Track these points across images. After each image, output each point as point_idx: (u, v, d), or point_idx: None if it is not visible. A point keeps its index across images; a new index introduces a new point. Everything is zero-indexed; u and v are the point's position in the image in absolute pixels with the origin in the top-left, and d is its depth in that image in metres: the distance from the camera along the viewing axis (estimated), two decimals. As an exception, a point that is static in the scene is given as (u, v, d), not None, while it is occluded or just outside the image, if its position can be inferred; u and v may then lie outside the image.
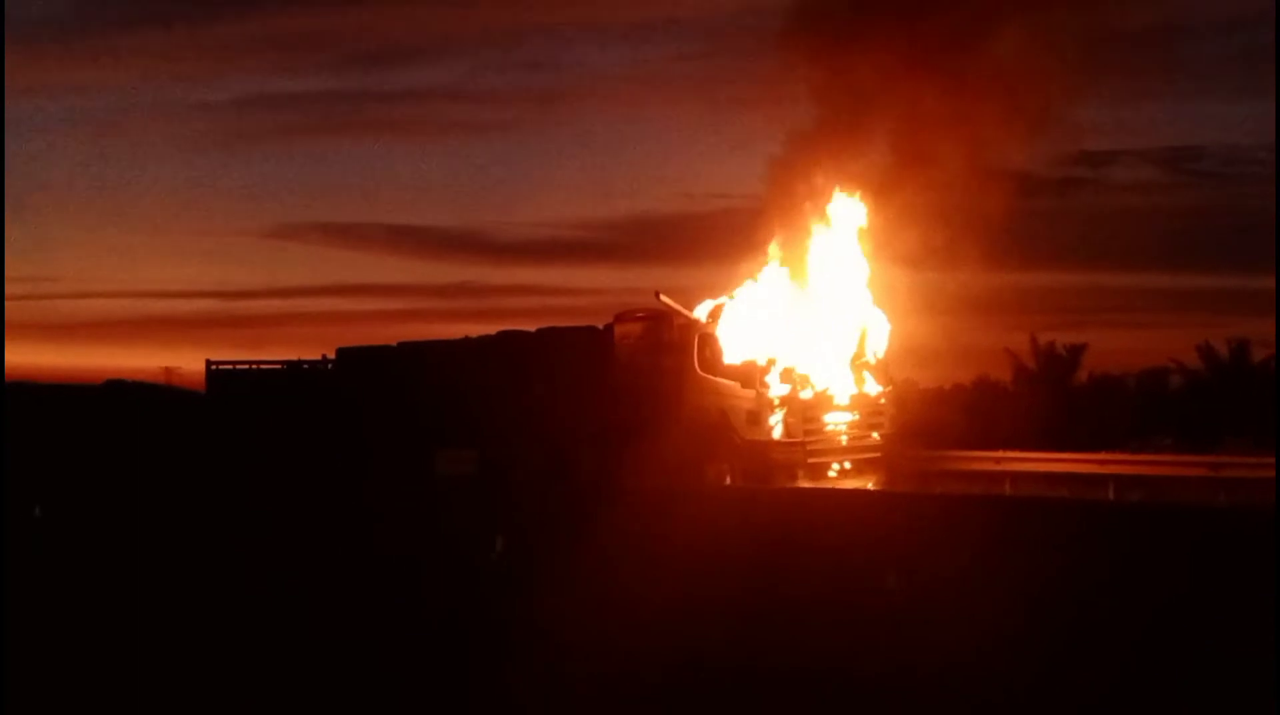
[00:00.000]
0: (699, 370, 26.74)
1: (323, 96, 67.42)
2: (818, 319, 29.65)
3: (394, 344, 29.71)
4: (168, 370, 38.55)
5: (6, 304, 69.88)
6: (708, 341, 27.26)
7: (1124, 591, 17.09)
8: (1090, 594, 16.64)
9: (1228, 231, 54.02)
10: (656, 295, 27.68)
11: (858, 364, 29.25)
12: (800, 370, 27.96)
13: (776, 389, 27.32)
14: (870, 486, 26.99)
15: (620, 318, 27.66)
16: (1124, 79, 38.64)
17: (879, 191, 30.24)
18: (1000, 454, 27.61)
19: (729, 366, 27.26)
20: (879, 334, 29.70)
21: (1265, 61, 56.41)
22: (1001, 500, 24.52)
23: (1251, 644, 14.27)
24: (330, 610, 18.07)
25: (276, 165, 73.14)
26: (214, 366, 30.64)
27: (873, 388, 29.24)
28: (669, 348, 26.90)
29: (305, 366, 29.81)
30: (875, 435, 28.64)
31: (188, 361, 33.20)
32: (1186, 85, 59.26)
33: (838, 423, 28.26)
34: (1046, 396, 35.76)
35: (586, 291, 78.93)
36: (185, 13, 67.49)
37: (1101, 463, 26.75)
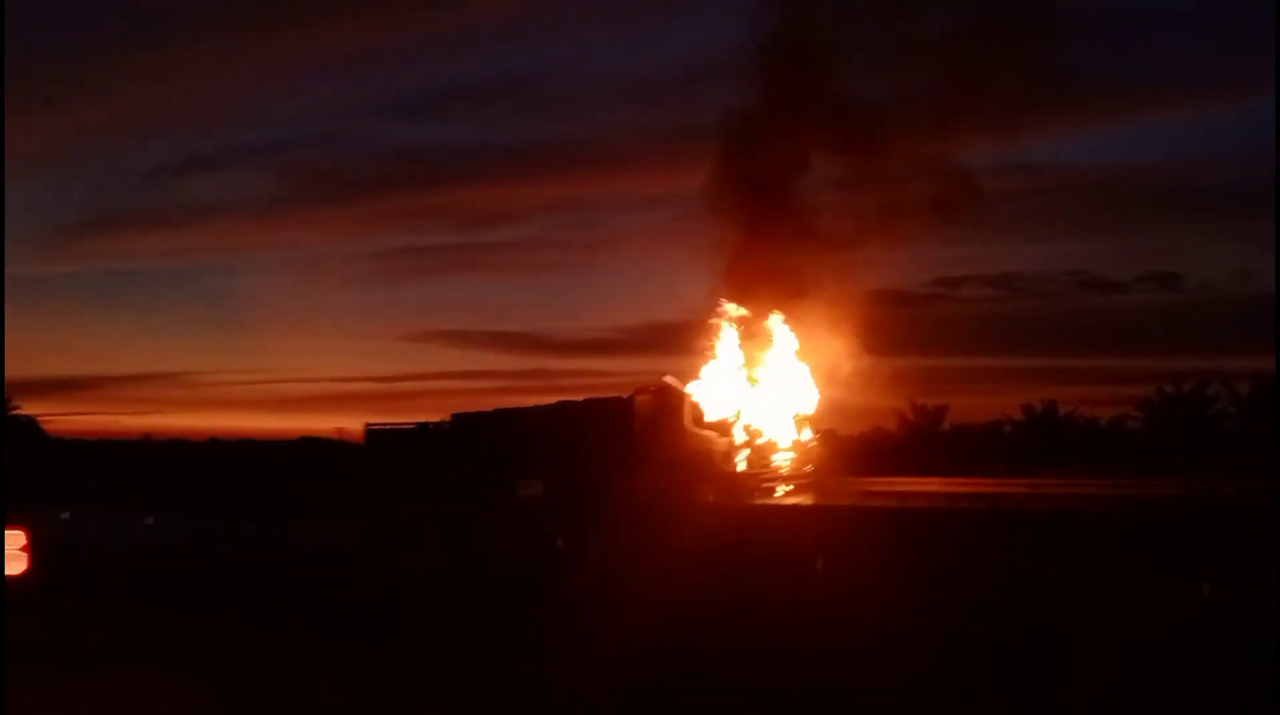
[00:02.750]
0: (690, 425, 27.11)
1: (446, 247, 69.95)
2: (766, 390, 30.11)
3: (490, 410, 29.68)
4: (339, 429, 38.85)
5: (237, 388, 71.78)
6: (695, 406, 27.67)
7: (974, 568, 17.91)
8: (951, 571, 17.47)
9: (1039, 329, 54.92)
10: (662, 376, 28.19)
11: (795, 420, 29.73)
12: (756, 425, 28.60)
13: (740, 437, 27.99)
14: (804, 502, 26.87)
15: (639, 391, 27.73)
16: (966, 228, 39.79)
17: (802, 303, 30.68)
18: (891, 479, 27.88)
19: (709, 422, 27.76)
20: (808, 401, 30.14)
21: (1063, 218, 57.95)
22: (891, 510, 24.33)
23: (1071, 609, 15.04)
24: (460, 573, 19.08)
25: (416, 293, 75.58)
26: (370, 427, 30.62)
27: (805, 435, 29.75)
28: (670, 411, 27.06)
29: (431, 426, 29.78)
30: (808, 468, 28.93)
31: (353, 423, 33.70)
32: (1011, 232, 60.53)
33: (782, 460, 28.62)
34: (921, 440, 36.47)
35: (618, 374, 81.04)
36: (354, 193, 69.51)
37: (957, 485, 26.72)
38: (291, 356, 79.99)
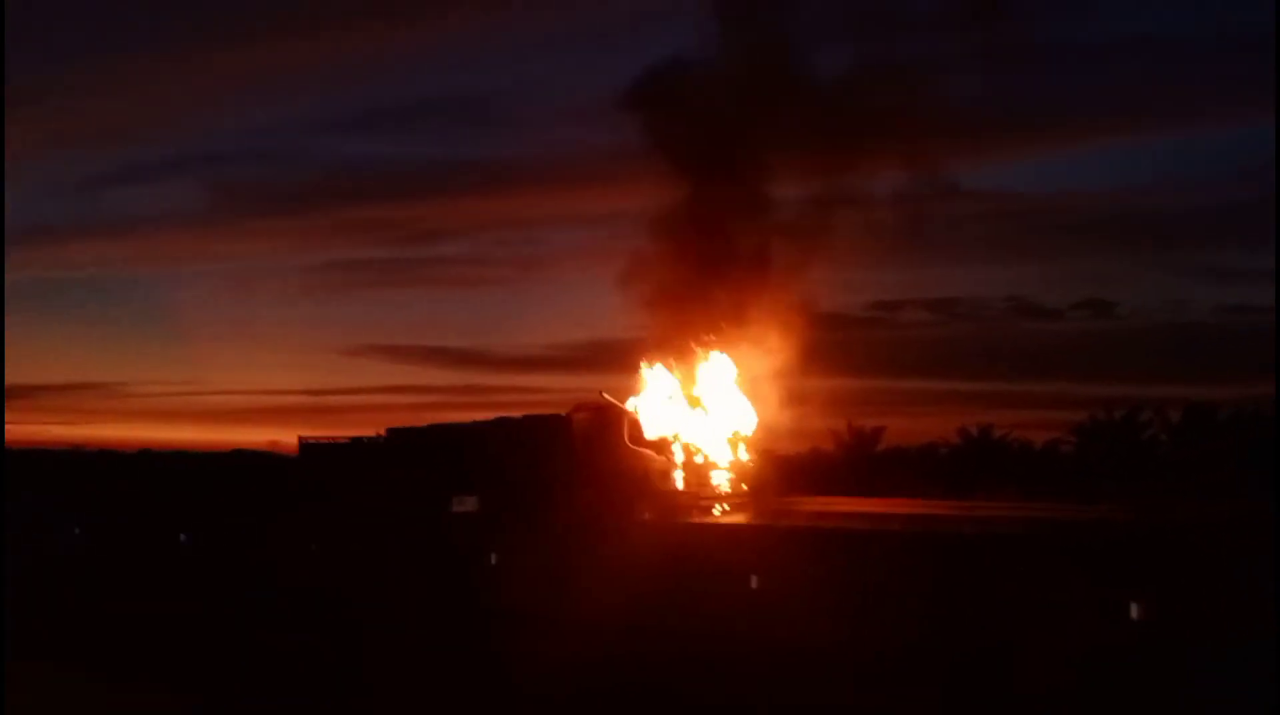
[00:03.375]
0: (628, 443, 27.10)
1: (382, 262, 69.34)
2: (705, 409, 29.92)
3: (426, 425, 29.60)
4: (273, 442, 38.41)
5: (169, 400, 70.79)
6: (634, 424, 27.65)
7: (906, 584, 17.99)
8: (883, 586, 17.51)
9: (975, 354, 55.51)
10: (601, 394, 28.07)
11: (732, 440, 29.54)
12: (694, 444, 28.47)
13: (678, 455, 27.83)
14: (740, 520, 26.67)
15: (577, 408, 27.80)
16: (905, 253, 40.22)
17: (741, 323, 30.34)
18: (828, 499, 27.92)
19: (648, 440, 27.67)
20: (746, 421, 29.94)
21: (1000, 244, 58.74)
22: (826, 529, 24.15)
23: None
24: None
25: (352, 307, 75.07)
26: (304, 440, 30.18)
27: (743, 455, 29.59)
28: (608, 428, 27.08)
29: (366, 440, 29.65)
30: (744, 487, 28.82)
31: (287, 437, 33.36)
32: (949, 257, 61.03)
33: (719, 479, 28.48)
34: (858, 462, 36.63)
35: (555, 391, 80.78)
36: (290, 207, 68.85)
37: (894, 505, 26.81)
38: (226, 369, 78.96)
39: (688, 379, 30.45)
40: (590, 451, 26.71)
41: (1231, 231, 56.19)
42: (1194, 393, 37.30)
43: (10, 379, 71.09)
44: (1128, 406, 36.37)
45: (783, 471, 32.07)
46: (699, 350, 30.59)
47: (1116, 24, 57.95)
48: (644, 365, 30.07)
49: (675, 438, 28.17)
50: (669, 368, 30.34)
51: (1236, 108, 55.51)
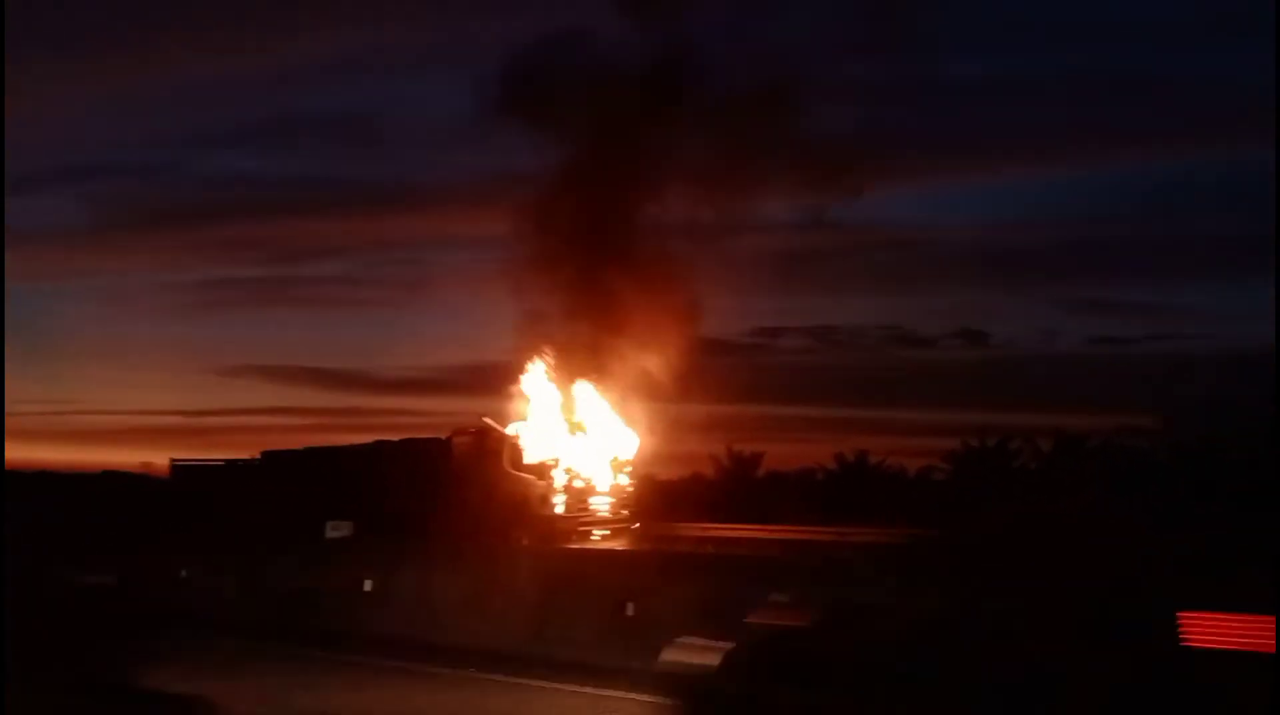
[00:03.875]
0: (509, 467, 26.92)
1: (260, 281, 67.98)
2: (586, 435, 30.05)
3: (301, 448, 29.32)
4: (145, 464, 37.52)
5: (39, 419, 68.38)
6: (514, 448, 27.48)
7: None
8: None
9: (852, 380, 56.64)
10: (481, 418, 28.02)
11: (612, 464, 29.56)
12: (574, 468, 28.37)
13: (559, 480, 27.65)
14: (620, 547, 27.10)
15: (456, 432, 27.65)
16: (786, 281, 40.78)
17: (623, 349, 30.61)
18: (706, 524, 27.53)
19: (528, 464, 27.52)
20: (627, 445, 30.12)
21: (878, 274, 60.09)
22: (703, 555, 24.40)
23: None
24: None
25: (226, 327, 73.31)
26: (176, 462, 29.97)
27: (623, 480, 29.61)
28: (488, 453, 26.91)
29: (240, 463, 29.20)
30: (624, 512, 28.82)
31: (159, 458, 32.55)
32: (828, 286, 62.27)
33: (599, 503, 28.40)
34: (737, 486, 36.89)
35: (435, 413, 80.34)
36: (167, 223, 67.16)
37: (772, 530, 26.68)
38: (97, 387, 76.56)
39: (568, 403, 30.57)
40: (470, 475, 26.49)
41: (1100, 266, 58.59)
42: (1063, 422, 38.35)
43: (-125, 396, 68.17)
44: (999, 434, 37.31)
45: (663, 496, 32.53)
46: (579, 375, 30.75)
47: (991, 62, 60.06)
48: (527, 386, 30.14)
49: (556, 462, 28.06)
50: (551, 391, 30.39)
51: (1103, 147, 57.77)
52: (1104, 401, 45.15)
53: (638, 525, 28.56)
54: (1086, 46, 60.28)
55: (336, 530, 26.03)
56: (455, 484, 26.35)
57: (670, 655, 11.91)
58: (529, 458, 27.85)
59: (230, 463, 29.61)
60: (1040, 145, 58.83)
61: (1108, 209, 65.96)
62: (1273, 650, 9.77)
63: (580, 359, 30.89)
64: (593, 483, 28.73)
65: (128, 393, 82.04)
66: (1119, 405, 43.08)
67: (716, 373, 33.79)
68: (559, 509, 27.41)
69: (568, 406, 30.54)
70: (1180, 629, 10.36)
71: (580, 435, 29.99)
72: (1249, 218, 56.59)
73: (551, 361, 30.81)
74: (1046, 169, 63.62)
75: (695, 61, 31.34)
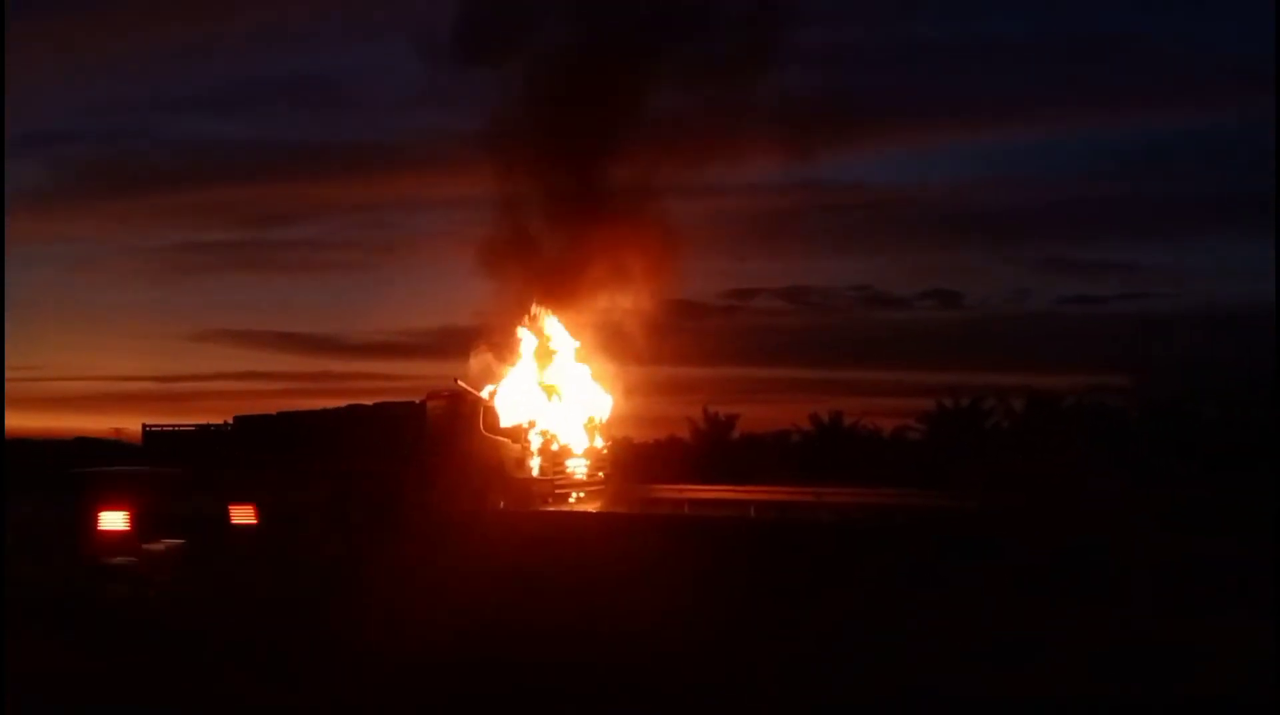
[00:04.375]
0: (483, 431, 26.87)
1: (230, 245, 67.03)
2: (561, 397, 29.95)
3: (274, 413, 29.03)
4: (117, 430, 37.16)
5: (9, 385, 67.55)
6: (489, 411, 27.43)
7: (756, 571, 18.14)
8: (733, 573, 17.64)
9: (826, 342, 56.68)
10: (455, 381, 27.77)
11: (588, 427, 29.63)
12: (550, 431, 28.31)
13: (534, 443, 27.61)
14: (595, 509, 27.13)
15: (431, 396, 27.52)
16: (758, 242, 40.66)
17: (597, 310, 30.99)
18: (681, 486, 28.09)
19: (503, 428, 27.45)
20: (602, 408, 30.13)
21: (850, 235, 60.18)
22: (676, 516, 25.31)
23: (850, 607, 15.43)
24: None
25: (198, 291, 72.53)
26: (148, 428, 29.53)
27: (598, 442, 29.67)
28: (463, 416, 26.87)
29: (213, 428, 28.95)
30: (600, 475, 28.90)
31: (131, 424, 32.18)
32: (800, 247, 62.27)
33: (575, 466, 28.45)
34: (712, 448, 36.85)
35: (409, 378, 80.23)
36: (136, 188, 66.31)
37: (747, 491, 27.19)
38: (67, 353, 75.55)
39: (542, 366, 30.46)
40: (445, 439, 26.46)
41: (1071, 226, 58.71)
42: (1037, 381, 38.44)
43: None
44: (973, 394, 37.39)
45: (639, 458, 32.59)
46: (555, 338, 30.65)
47: (962, 24, 59.85)
48: (501, 349, 30.00)
49: (531, 425, 27.96)
50: (526, 354, 30.33)
51: (1076, 108, 57.84)
52: (1074, 361, 45.38)
53: (614, 487, 28.58)
54: (1061, 7, 60.13)
55: (312, 493, 25.81)
56: (430, 448, 26.29)
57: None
58: (504, 421, 27.75)
59: (203, 428, 29.33)
60: (1013, 106, 58.99)
61: (1080, 169, 66.06)
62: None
63: (554, 321, 30.71)
64: (568, 446, 28.71)
65: (98, 358, 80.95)
66: (1092, 365, 43.23)
67: (691, 335, 33.70)
68: (535, 472, 27.40)
69: (542, 369, 30.42)
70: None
71: (555, 398, 29.86)
72: (1222, 178, 57.15)
73: (525, 324, 30.70)
74: (1019, 130, 63.85)
75: (672, 20, 31.13)
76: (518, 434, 27.49)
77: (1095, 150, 65.25)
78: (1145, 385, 32.53)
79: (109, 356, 79.17)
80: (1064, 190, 61.77)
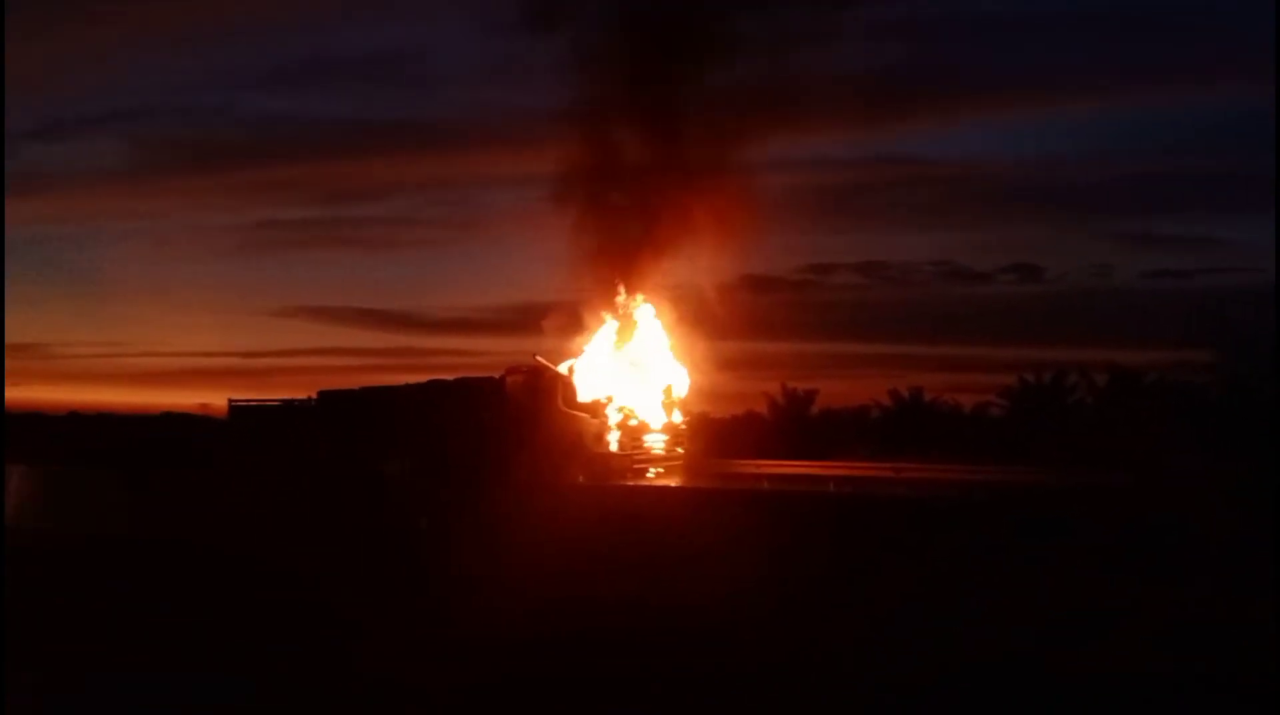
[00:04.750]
0: (562, 406, 26.87)
1: (311, 222, 68.33)
2: (639, 372, 29.97)
3: (357, 388, 28.98)
4: (203, 405, 37.90)
5: (96, 362, 69.44)
6: (567, 387, 27.41)
7: (835, 547, 18.15)
8: (808, 549, 17.68)
9: (904, 316, 56.24)
10: (534, 357, 27.86)
11: (667, 403, 29.49)
12: (628, 406, 28.26)
13: (613, 418, 27.58)
14: (675, 484, 27.02)
15: (510, 371, 27.46)
16: (836, 216, 40.32)
17: (676, 286, 30.88)
18: (759, 462, 28.10)
19: (581, 403, 27.44)
20: (680, 383, 29.98)
21: (929, 209, 59.55)
22: (757, 491, 24.72)
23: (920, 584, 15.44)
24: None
25: (279, 268, 73.76)
26: (234, 403, 29.60)
27: (677, 418, 29.55)
28: (542, 391, 26.83)
29: (297, 403, 29.23)
30: (678, 450, 28.74)
31: (217, 399, 32.75)
32: (878, 221, 61.87)
33: (653, 441, 28.28)
34: (791, 424, 36.83)
35: (487, 353, 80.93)
36: (215, 165, 67.31)
37: (826, 467, 26.98)
38: (152, 330, 76.93)
39: (621, 341, 30.47)
40: (524, 414, 26.46)
41: (1154, 201, 57.62)
42: (1119, 357, 37.84)
43: (-72, 340, 69.74)
44: (1054, 370, 36.95)
45: (717, 434, 32.50)
46: (633, 313, 30.65)
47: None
48: (579, 325, 30.17)
49: (609, 400, 27.93)
50: (604, 329, 30.38)
51: (1155, 83, 56.60)
52: (1158, 336, 44.55)
53: (693, 463, 28.42)
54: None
55: (396, 467, 26.14)
56: (510, 423, 26.32)
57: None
58: (582, 396, 27.78)
59: (287, 403, 29.58)
60: (1094, 79, 57.56)
61: (1163, 143, 64.58)
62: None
63: (632, 297, 30.67)
64: (646, 421, 28.68)
65: (180, 335, 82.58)
66: (1173, 339, 42.45)
67: (767, 309, 33.68)
68: (614, 447, 27.39)
69: (620, 344, 30.45)
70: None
71: (633, 373, 29.88)
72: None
73: (602, 299, 30.71)
74: (1101, 103, 61.99)
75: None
76: (596, 409, 27.48)
77: (1179, 124, 63.78)
78: (1227, 361, 31.85)
79: (191, 333, 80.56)
80: (1147, 164, 60.32)
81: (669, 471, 28.06)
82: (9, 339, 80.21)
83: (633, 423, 28.15)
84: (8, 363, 70.77)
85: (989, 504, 22.03)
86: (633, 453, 27.62)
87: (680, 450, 28.90)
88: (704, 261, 30.10)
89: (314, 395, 29.01)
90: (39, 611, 16.75)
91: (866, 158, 42.20)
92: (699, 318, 29.84)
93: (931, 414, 37.38)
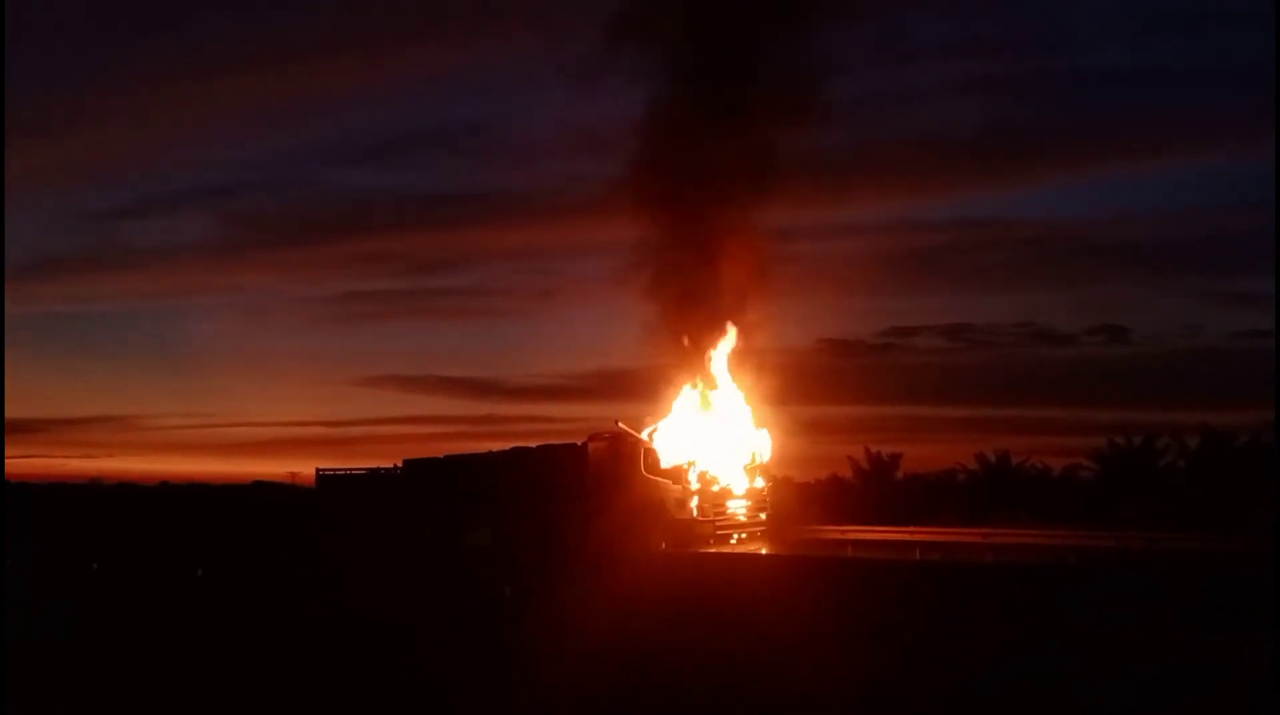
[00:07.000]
0: (644, 472, 26.80)
1: (395, 293, 69.83)
2: (721, 438, 29.84)
3: (441, 456, 29.37)
4: (292, 474, 38.54)
5: (187, 432, 71.09)
6: (649, 453, 27.38)
7: (924, 616, 17.88)
8: (901, 618, 17.44)
9: (989, 379, 55.66)
10: (616, 423, 27.96)
11: (749, 468, 29.44)
12: (710, 472, 28.14)
13: (695, 484, 27.48)
14: (759, 551, 26.87)
15: (592, 438, 27.69)
16: (918, 280, 40.10)
17: (757, 351, 30.84)
18: (845, 527, 27.67)
19: (664, 469, 27.37)
20: (763, 448, 29.89)
21: (1011, 271, 58.99)
22: (843, 559, 24.77)
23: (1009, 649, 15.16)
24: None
25: (365, 338, 75.47)
26: (321, 472, 30.30)
27: (759, 483, 29.46)
28: (624, 457, 26.86)
29: (383, 471, 29.62)
30: (762, 516, 28.62)
31: (305, 468, 33.32)
32: (961, 284, 61.45)
33: (736, 507, 28.17)
34: (876, 489, 36.42)
35: (569, 420, 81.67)
36: (302, 238, 69.41)
37: (911, 533, 26.57)
38: (240, 400, 79.22)
39: (702, 407, 30.48)
40: (606, 481, 26.55)
41: (1243, 258, 56.59)
42: (1209, 418, 36.98)
43: (25, 413, 72.02)
44: (1144, 432, 36.21)
45: (800, 499, 32.25)
46: (714, 378, 30.65)
47: (1125, 54, 58.36)
48: (661, 391, 30.22)
49: (691, 466, 27.87)
50: (685, 396, 30.47)
51: (1243, 138, 55.74)
52: (1249, 396, 43.45)
53: (776, 528, 28.30)
54: (1222, 35, 58.18)
55: (475, 536, 26.56)
56: (592, 489, 26.43)
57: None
58: (664, 462, 27.73)
59: (373, 471, 30.08)
60: (1178, 137, 57.09)
61: (1248, 199, 63.43)
62: None
63: (712, 363, 30.68)
64: (729, 486, 28.56)
65: (271, 404, 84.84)
66: (1267, 400, 41.41)
67: (851, 374, 33.50)
68: (695, 513, 27.27)
69: (702, 410, 30.41)
70: None
71: (715, 438, 29.75)
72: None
73: (683, 366, 30.75)
74: (1185, 160, 61.67)
75: (822, 59, 31.15)
76: (678, 475, 27.41)
77: (1263, 180, 62.64)
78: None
79: (280, 403, 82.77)
80: (1234, 221, 59.48)
81: (752, 537, 27.90)
82: (102, 411, 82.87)
83: (715, 488, 27.99)
84: (100, 434, 72.89)
85: (1078, 570, 21.67)
86: (715, 519, 27.44)
87: (763, 516, 28.73)
88: (786, 327, 30.02)
89: (399, 463, 29.53)
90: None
91: (949, 220, 42.04)
92: (780, 382, 29.80)
93: (1020, 477, 36.74)
